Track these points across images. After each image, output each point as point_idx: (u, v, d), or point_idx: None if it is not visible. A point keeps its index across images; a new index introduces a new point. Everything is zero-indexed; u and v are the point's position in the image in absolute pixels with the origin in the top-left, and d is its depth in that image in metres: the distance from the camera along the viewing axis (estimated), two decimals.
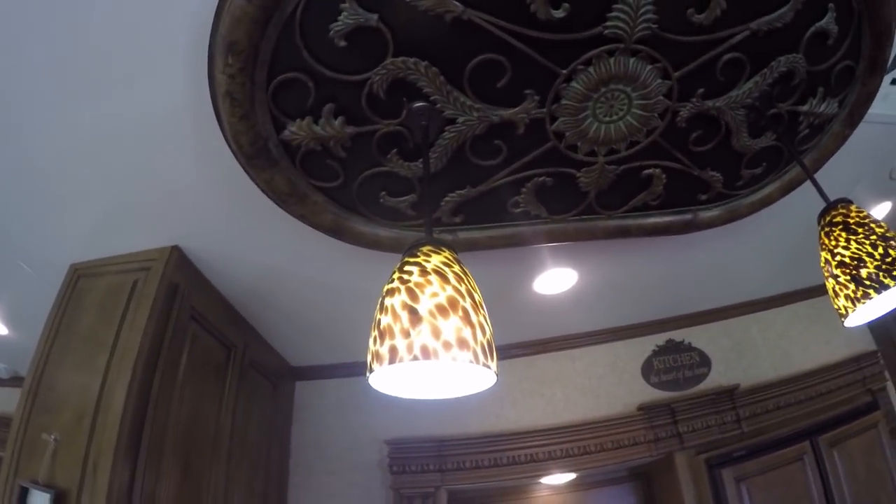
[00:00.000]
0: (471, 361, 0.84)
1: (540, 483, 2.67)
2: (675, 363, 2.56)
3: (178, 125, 1.41)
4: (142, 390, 1.69)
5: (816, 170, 1.74)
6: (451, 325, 0.86)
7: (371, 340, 0.91)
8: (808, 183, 1.80)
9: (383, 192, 1.54)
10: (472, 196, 1.60)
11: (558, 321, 2.51)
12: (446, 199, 1.60)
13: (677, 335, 2.63)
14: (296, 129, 1.31)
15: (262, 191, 1.45)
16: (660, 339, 2.63)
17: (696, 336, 2.62)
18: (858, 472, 2.45)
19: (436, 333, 0.85)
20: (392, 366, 0.84)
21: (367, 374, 0.90)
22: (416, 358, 0.83)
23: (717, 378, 2.53)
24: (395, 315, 0.89)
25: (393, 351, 0.85)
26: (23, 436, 1.77)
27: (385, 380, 0.94)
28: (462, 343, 0.85)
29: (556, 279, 2.21)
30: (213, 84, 1.20)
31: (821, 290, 2.78)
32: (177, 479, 1.81)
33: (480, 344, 0.88)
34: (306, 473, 2.68)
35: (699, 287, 2.47)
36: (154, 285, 1.79)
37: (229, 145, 1.33)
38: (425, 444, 2.47)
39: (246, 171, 1.39)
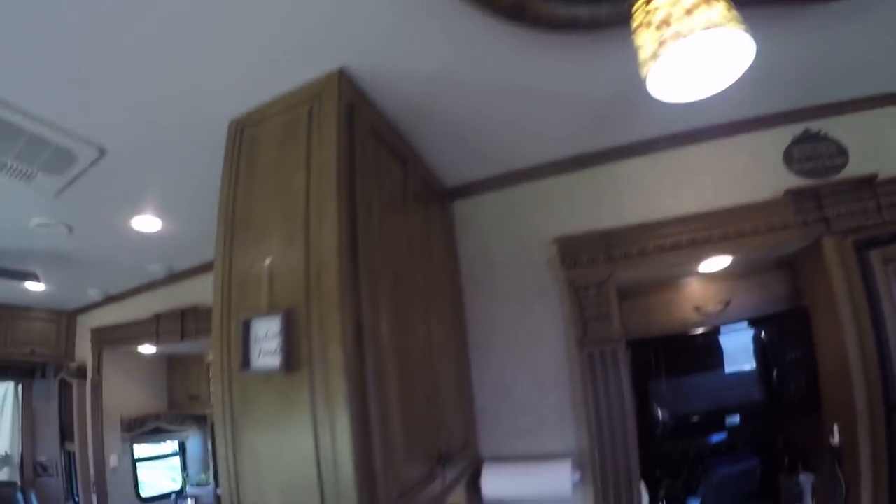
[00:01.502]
0: (745, 30, 1.00)
1: (694, 274, 2.90)
2: (814, 152, 2.63)
3: None
4: (347, 202, 1.76)
5: None
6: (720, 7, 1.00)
7: (648, 38, 1.06)
8: None
9: None
10: None
11: (698, 113, 2.57)
12: None
13: (813, 125, 2.68)
14: None
15: None
16: (797, 128, 2.70)
17: (831, 126, 2.67)
18: None
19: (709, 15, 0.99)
20: (684, 40, 0.98)
21: (648, 68, 1.06)
22: (703, 29, 0.97)
23: (855, 168, 2.60)
24: (668, 11, 1.02)
25: (677, 33, 0.99)
26: (228, 276, 1.86)
27: (663, 77, 1.10)
28: (730, 18, 1.00)
29: None
30: None
31: None
32: (388, 289, 1.95)
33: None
34: (478, 284, 2.99)
35: (833, 76, 2.47)
36: (333, 106, 1.82)
37: None
38: (593, 237, 2.68)
39: None
